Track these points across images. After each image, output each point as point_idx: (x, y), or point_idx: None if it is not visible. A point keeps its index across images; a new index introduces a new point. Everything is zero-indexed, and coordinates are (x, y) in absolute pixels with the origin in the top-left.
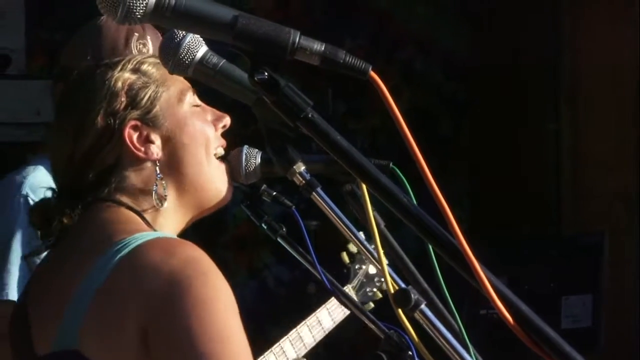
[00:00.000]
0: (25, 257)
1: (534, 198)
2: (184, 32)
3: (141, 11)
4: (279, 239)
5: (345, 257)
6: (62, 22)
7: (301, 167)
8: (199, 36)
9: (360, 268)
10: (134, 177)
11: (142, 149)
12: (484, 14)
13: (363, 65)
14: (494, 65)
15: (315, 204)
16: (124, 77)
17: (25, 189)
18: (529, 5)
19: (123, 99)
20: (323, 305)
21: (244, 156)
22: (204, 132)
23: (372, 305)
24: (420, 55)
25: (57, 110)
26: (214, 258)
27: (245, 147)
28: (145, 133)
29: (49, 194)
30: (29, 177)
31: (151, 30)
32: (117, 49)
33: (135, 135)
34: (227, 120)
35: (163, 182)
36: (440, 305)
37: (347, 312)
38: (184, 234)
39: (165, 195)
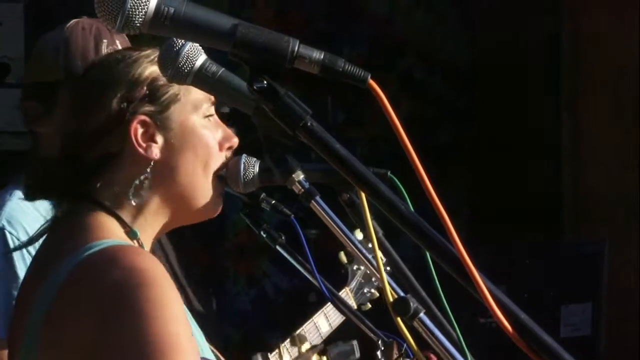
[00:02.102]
0: (13, 250)
1: (534, 205)
2: (183, 40)
3: (140, 20)
4: (278, 248)
5: (343, 257)
6: None
7: (300, 176)
8: (198, 45)
9: (358, 269)
10: (129, 172)
11: (144, 145)
12: (483, 21)
13: (362, 74)
14: (494, 72)
15: (314, 212)
16: (151, 69)
17: (2, 221)
18: (529, 10)
19: (144, 89)
20: (321, 310)
21: (242, 165)
22: (208, 147)
23: (369, 305)
24: (420, 64)
25: (82, 80)
26: (214, 266)
27: (244, 155)
28: (151, 131)
29: (27, 224)
30: (5, 206)
31: (119, 35)
32: (87, 57)
33: (140, 131)
34: (234, 142)
35: (146, 181)
36: (439, 314)
37: (343, 317)
38: (184, 240)
39: (142, 194)
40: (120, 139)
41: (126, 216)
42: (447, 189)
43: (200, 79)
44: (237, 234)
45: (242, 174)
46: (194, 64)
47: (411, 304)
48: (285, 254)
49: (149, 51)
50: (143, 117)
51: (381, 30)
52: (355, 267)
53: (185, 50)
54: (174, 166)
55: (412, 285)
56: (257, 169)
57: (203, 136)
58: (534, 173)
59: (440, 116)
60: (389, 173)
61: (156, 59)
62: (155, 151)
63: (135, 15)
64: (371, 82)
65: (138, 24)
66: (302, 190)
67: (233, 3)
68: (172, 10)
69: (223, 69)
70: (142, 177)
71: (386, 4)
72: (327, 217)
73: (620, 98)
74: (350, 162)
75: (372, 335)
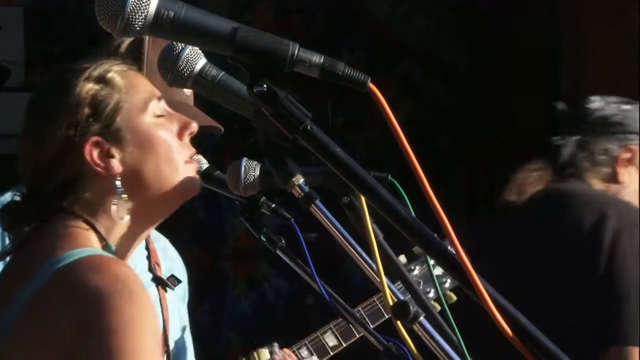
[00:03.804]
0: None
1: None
2: (183, 44)
3: (140, 24)
4: (278, 252)
5: (403, 257)
6: (62, 34)
7: (300, 180)
8: (198, 48)
9: (412, 270)
10: (94, 191)
11: (102, 164)
12: (482, 26)
13: (362, 77)
14: (493, 76)
15: (314, 216)
16: (87, 87)
17: None
18: (528, 16)
19: (86, 109)
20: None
21: (242, 168)
22: (166, 143)
23: (438, 307)
24: (420, 68)
25: (27, 114)
26: (214, 269)
27: (244, 159)
28: (106, 148)
29: (17, 197)
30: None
31: None
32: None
33: (95, 152)
34: (193, 128)
35: (124, 196)
36: (439, 318)
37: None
38: (184, 241)
39: (126, 210)
40: (77, 163)
41: (101, 230)
42: (447, 192)
43: (200, 82)
44: (237, 237)
45: (242, 177)
46: (193, 68)
47: (411, 307)
48: (285, 258)
49: (84, 66)
50: (94, 138)
51: (381, 34)
52: (411, 267)
53: (185, 54)
54: (140, 172)
55: (413, 288)
56: (257, 172)
57: (159, 135)
58: None
59: (439, 120)
60: (389, 177)
61: (92, 73)
62: (116, 165)
63: (135, 18)
64: (371, 85)
65: (138, 28)
66: (302, 194)
67: (233, 7)
68: (172, 14)
69: (223, 72)
70: (116, 195)
71: (386, 9)
72: (327, 220)
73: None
74: (350, 165)
75: (371, 338)
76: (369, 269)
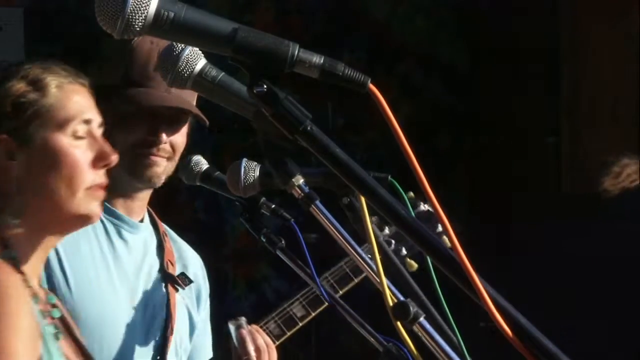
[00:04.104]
0: None
1: (535, 209)
2: (182, 44)
3: (140, 24)
4: (277, 252)
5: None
6: (62, 34)
7: (300, 180)
8: (198, 49)
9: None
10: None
11: (2, 163)
12: (483, 26)
13: (362, 78)
14: (493, 77)
15: (314, 216)
16: (18, 85)
17: None
18: (528, 18)
19: (7, 106)
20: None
21: (242, 169)
22: (71, 165)
23: (415, 265)
24: (420, 68)
25: None
26: (214, 270)
27: (244, 159)
28: (10, 148)
29: None
30: None
31: None
32: (148, 69)
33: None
34: (109, 160)
35: (21, 198)
36: (439, 318)
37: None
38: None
39: (21, 213)
40: None
41: (4, 231)
42: (447, 192)
43: (200, 83)
44: (237, 238)
45: (242, 177)
46: (193, 68)
47: (411, 308)
48: (285, 259)
49: (25, 67)
50: (3, 135)
51: (381, 34)
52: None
53: (185, 55)
54: (37, 183)
55: (412, 289)
56: (257, 173)
57: (67, 155)
58: (534, 177)
59: (439, 120)
60: (389, 177)
61: (28, 74)
62: (14, 169)
63: (135, 19)
64: (371, 86)
65: (138, 28)
66: (302, 194)
67: (233, 7)
68: (172, 14)
69: (223, 73)
70: (14, 196)
71: (386, 9)
72: (327, 221)
73: (620, 99)
74: (350, 166)
75: (371, 339)
76: (369, 269)
